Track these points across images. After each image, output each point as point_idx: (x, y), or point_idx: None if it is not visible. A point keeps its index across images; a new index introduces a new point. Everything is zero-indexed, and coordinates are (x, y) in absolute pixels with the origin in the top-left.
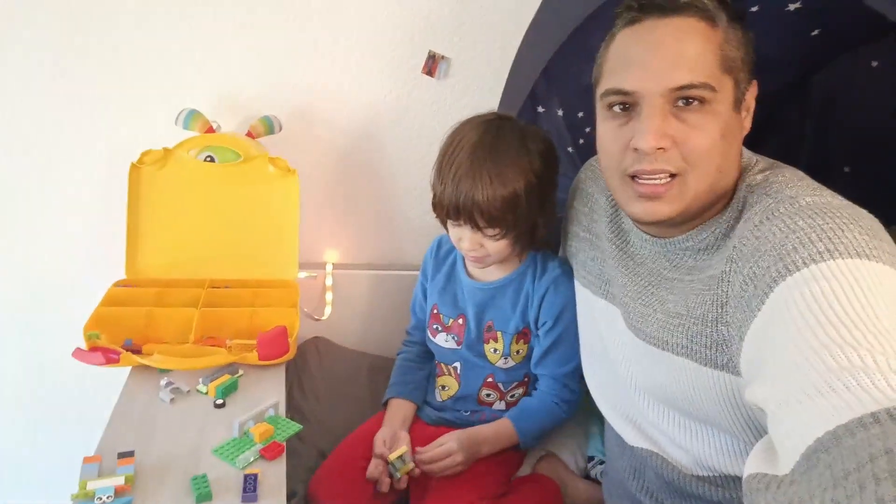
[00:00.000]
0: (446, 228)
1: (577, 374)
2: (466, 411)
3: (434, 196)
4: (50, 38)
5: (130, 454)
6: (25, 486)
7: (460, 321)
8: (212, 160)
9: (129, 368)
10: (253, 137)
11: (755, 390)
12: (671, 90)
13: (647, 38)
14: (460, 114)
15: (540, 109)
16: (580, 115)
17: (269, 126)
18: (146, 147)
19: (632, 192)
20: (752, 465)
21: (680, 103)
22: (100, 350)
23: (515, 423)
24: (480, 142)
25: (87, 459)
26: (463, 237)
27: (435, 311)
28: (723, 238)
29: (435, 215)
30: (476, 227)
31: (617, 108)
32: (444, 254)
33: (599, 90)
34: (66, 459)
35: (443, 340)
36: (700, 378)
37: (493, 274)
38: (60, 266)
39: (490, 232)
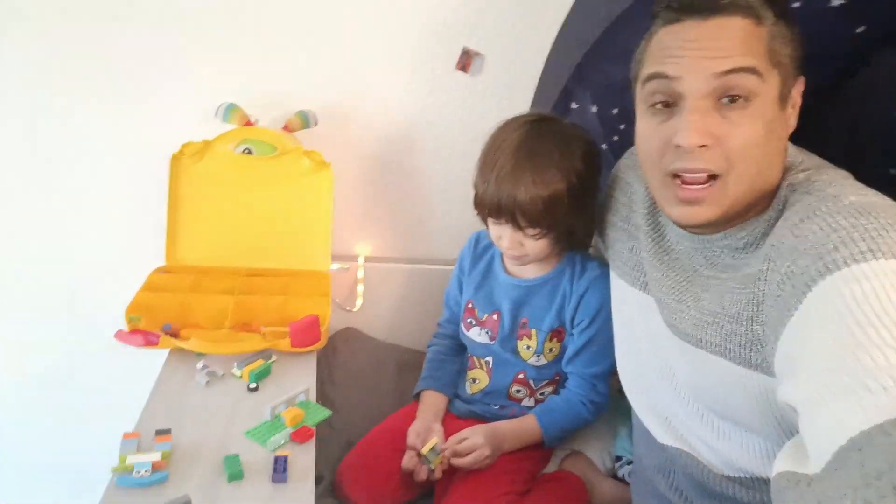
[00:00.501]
0: (487, 226)
1: (607, 377)
2: (496, 405)
3: (476, 195)
4: (95, 33)
5: (167, 432)
6: (70, 456)
7: (495, 317)
8: (249, 153)
9: (167, 351)
10: (289, 131)
11: (788, 389)
12: (717, 75)
13: (688, 35)
14: (493, 110)
15: (573, 106)
16: (614, 111)
17: (305, 120)
18: (187, 139)
19: (672, 194)
20: (781, 464)
21: (724, 100)
22: (140, 333)
23: (540, 420)
24: (523, 143)
25: (126, 435)
26: (503, 236)
27: (470, 306)
28: (762, 237)
29: (476, 213)
30: (517, 226)
31: (659, 106)
32: (481, 249)
33: (640, 78)
34: (108, 433)
35: (476, 335)
36: (733, 377)
37: (531, 272)
38: (105, 252)
39: (531, 232)
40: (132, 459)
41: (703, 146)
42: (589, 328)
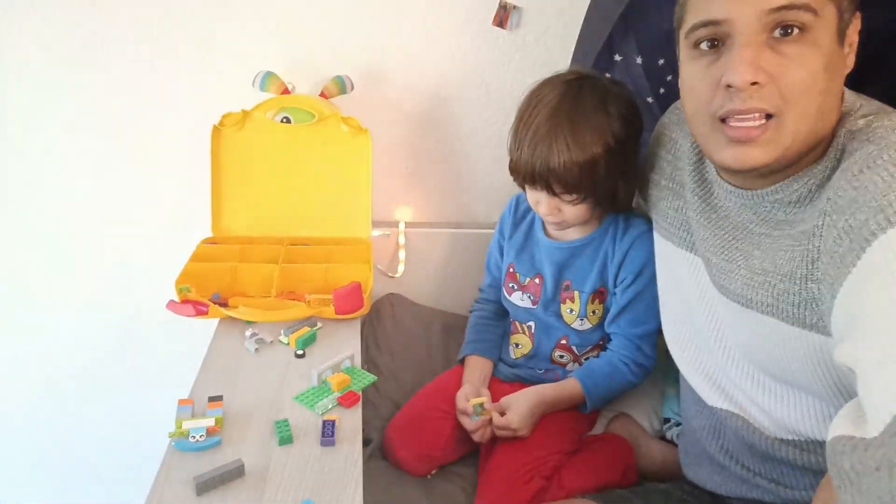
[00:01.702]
0: (525, 191)
1: (653, 339)
2: (540, 369)
3: (511, 160)
4: (133, 6)
5: (219, 398)
6: (128, 423)
7: (537, 280)
8: (288, 121)
9: (217, 320)
10: (326, 98)
11: (846, 350)
12: (768, 12)
13: None
14: (532, 66)
15: (617, 58)
16: (661, 62)
17: (342, 86)
18: (226, 109)
19: (722, 136)
20: (838, 427)
21: (777, 33)
22: (190, 302)
23: (583, 383)
24: (559, 105)
25: (181, 402)
26: (540, 201)
27: (511, 270)
28: (817, 190)
29: (513, 178)
30: (553, 193)
31: (705, 45)
32: (521, 213)
33: (684, 29)
34: (162, 400)
35: (518, 299)
36: (787, 338)
37: (572, 234)
38: (154, 225)
39: (567, 198)
40: (187, 425)
41: (755, 83)
42: (633, 286)
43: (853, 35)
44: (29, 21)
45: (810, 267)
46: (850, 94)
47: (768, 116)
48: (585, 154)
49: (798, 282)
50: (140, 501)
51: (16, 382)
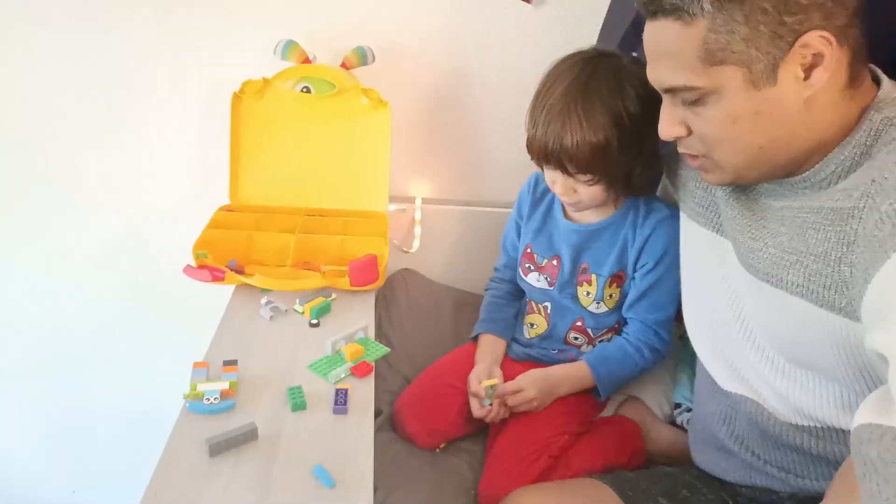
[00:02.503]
0: (542, 170)
1: (670, 325)
2: (554, 350)
3: (527, 138)
4: None
5: (234, 363)
6: (145, 383)
7: (554, 262)
8: (308, 91)
9: (233, 287)
10: (347, 68)
11: (878, 336)
12: (663, 89)
13: (644, 37)
14: (557, 42)
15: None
16: None
17: (363, 56)
18: (246, 77)
19: None
20: (864, 415)
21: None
22: (207, 268)
23: (594, 370)
24: (573, 83)
25: (196, 364)
26: (556, 181)
27: (528, 251)
28: (844, 174)
29: (530, 157)
30: (566, 172)
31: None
32: (540, 193)
33: None
34: (177, 365)
35: (534, 280)
36: (814, 321)
37: (592, 216)
38: (172, 191)
39: (582, 178)
40: (202, 387)
41: (678, 137)
42: (653, 271)
43: (808, 56)
44: None
45: (845, 249)
46: (888, 84)
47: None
48: (598, 134)
49: (831, 263)
50: (153, 462)
51: (33, 346)
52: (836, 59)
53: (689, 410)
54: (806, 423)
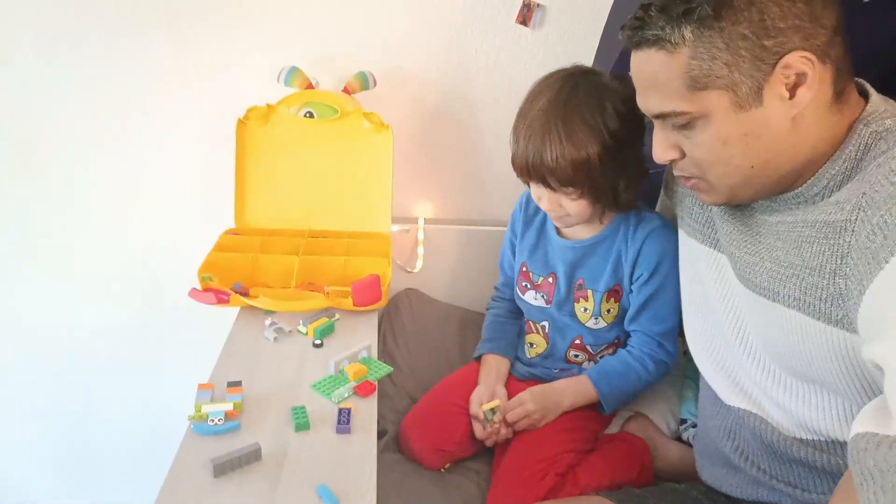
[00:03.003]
0: (528, 186)
1: (674, 336)
2: (556, 369)
3: (511, 155)
4: (162, 3)
5: (238, 384)
6: (149, 406)
7: (550, 280)
8: (311, 116)
9: (238, 309)
10: (349, 93)
11: (874, 347)
12: (653, 115)
13: (631, 70)
14: (552, 66)
15: None
16: None
17: (364, 81)
18: (251, 103)
19: None
20: (861, 425)
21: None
22: (212, 291)
23: (594, 383)
24: (554, 100)
25: (201, 386)
26: (542, 196)
27: (524, 269)
28: (836, 188)
29: (515, 173)
30: (550, 187)
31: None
32: (532, 210)
33: None
34: (181, 387)
35: (532, 298)
36: (812, 334)
37: (584, 232)
38: (178, 215)
39: (566, 192)
40: (207, 409)
41: (672, 160)
42: (650, 282)
43: (790, 76)
44: (56, 6)
45: (839, 262)
46: (876, 98)
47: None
48: (578, 148)
49: (826, 276)
50: (158, 483)
51: (39, 365)
52: (820, 77)
53: (695, 426)
54: (810, 437)
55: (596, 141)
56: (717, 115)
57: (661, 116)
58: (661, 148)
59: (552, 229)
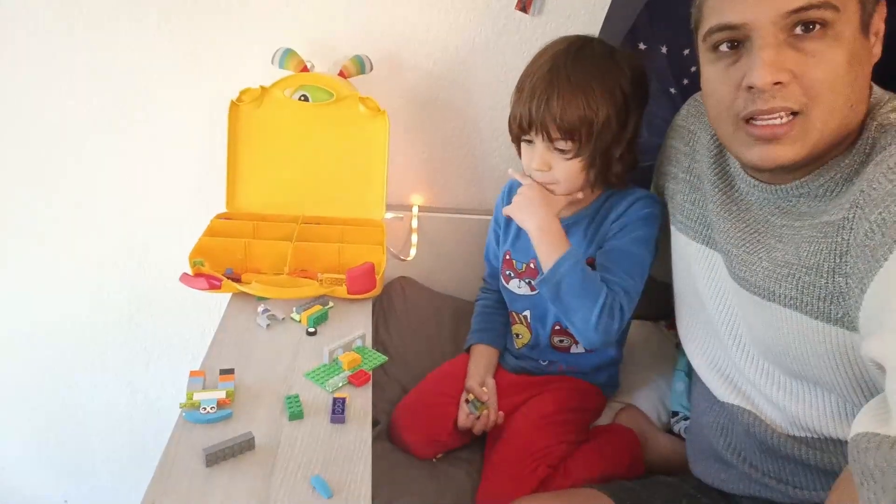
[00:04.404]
0: (519, 153)
1: (632, 301)
2: (544, 361)
3: (510, 115)
4: None
5: (231, 371)
6: (136, 393)
7: (531, 265)
8: (306, 99)
9: (230, 295)
10: (345, 77)
11: (874, 345)
12: (786, 14)
13: None
14: None
15: (641, 46)
16: (686, 52)
17: (361, 65)
18: (244, 85)
19: (747, 136)
20: (861, 424)
21: (798, 30)
22: (204, 276)
23: (567, 254)
24: (564, 53)
25: (192, 373)
26: (534, 155)
27: (508, 258)
28: (843, 183)
29: (511, 139)
30: (548, 138)
31: (724, 47)
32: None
33: (701, 31)
34: (173, 374)
35: (516, 287)
36: (809, 332)
37: (566, 210)
38: (169, 199)
39: (562, 145)
40: (198, 396)
41: (778, 83)
42: (616, 236)
43: (879, 23)
44: None
45: (838, 260)
46: (877, 88)
47: (794, 113)
48: (588, 98)
49: (825, 275)
50: (149, 472)
51: (27, 353)
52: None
53: (686, 419)
54: (804, 435)
55: (607, 98)
56: (851, 26)
57: (802, 10)
58: (772, 69)
59: None
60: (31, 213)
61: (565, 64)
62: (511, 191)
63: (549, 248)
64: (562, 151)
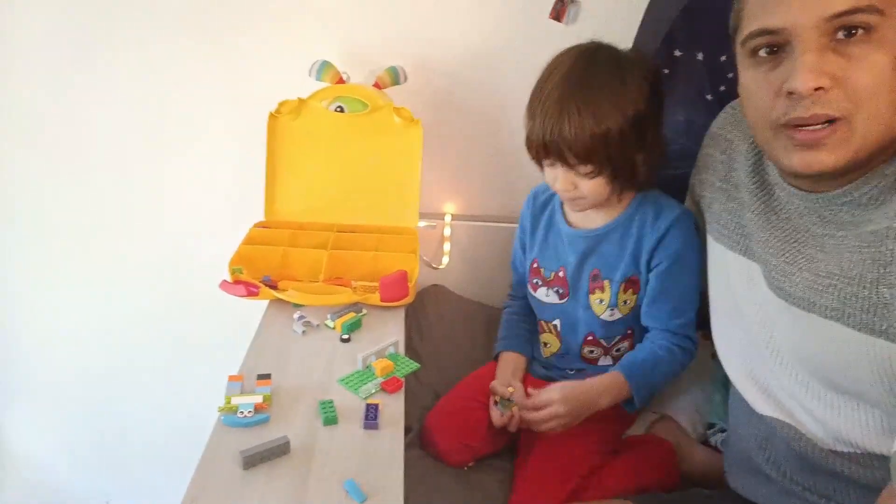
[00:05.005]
0: (541, 169)
1: (693, 325)
2: (571, 370)
3: (526, 134)
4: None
5: (268, 376)
6: (175, 396)
7: (561, 273)
8: (341, 110)
9: (267, 301)
10: (380, 88)
11: None
12: (828, 18)
13: None
14: None
15: (677, 53)
16: (723, 58)
17: (395, 76)
18: (283, 97)
19: (787, 141)
20: None
21: (840, 35)
22: (242, 283)
23: (628, 378)
24: (571, 71)
25: (231, 378)
26: (556, 177)
27: (535, 266)
28: (889, 191)
29: (529, 155)
30: (567, 164)
31: (763, 52)
32: (540, 205)
33: (740, 36)
34: (212, 378)
35: (544, 295)
36: (852, 345)
37: (596, 220)
38: (210, 208)
39: (583, 169)
40: (236, 401)
41: (819, 89)
42: (668, 272)
43: None
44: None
45: (882, 271)
46: None
47: (835, 119)
48: (598, 122)
49: (868, 286)
50: (188, 473)
51: (72, 356)
52: None
53: (722, 431)
54: (847, 450)
55: (617, 114)
56: (893, 31)
57: (846, 14)
58: (814, 74)
59: (561, 222)
60: (80, 220)
61: (573, 88)
62: (535, 198)
63: (617, 397)
64: (583, 173)
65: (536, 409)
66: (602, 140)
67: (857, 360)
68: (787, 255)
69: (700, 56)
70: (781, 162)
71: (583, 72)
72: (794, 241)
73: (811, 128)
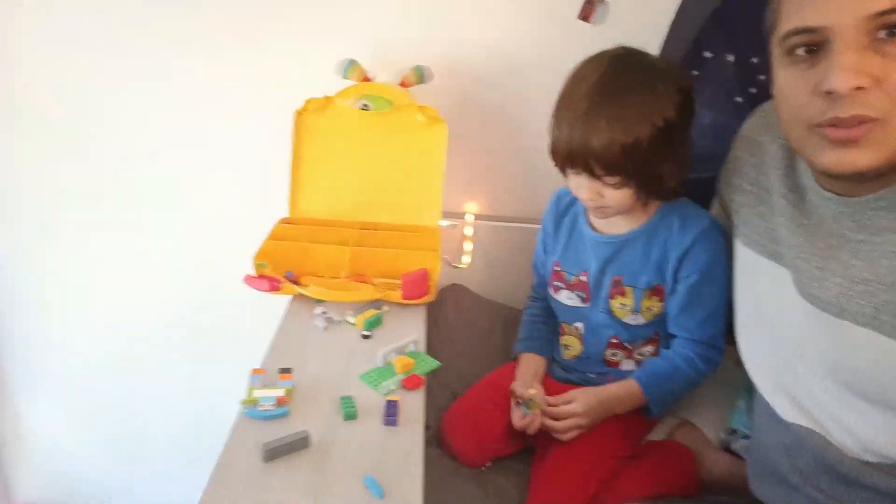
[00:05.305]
0: (566, 176)
1: (722, 336)
2: (592, 373)
3: (551, 142)
4: None
5: (289, 371)
6: (198, 387)
7: (583, 278)
8: (367, 108)
9: (290, 296)
10: (405, 86)
11: None
12: (870, 17)
13: None
14: None
15: (707, 55)
16: (754, 60)
17: (421, 75)
18: (309, 95)
19: (820, 139)
20: None
21: (881, 34)
22: (266, 278)
23: (644, 388)
24: (600, 81)
25: (254, 371)
26: (581, 186)
27: (557, 269)
28: None
29: (553, 163)
30: (593, 175)
31: (801, 51)
32: (563, 208)
33: (777, 35)
34: (233, 371)
35: (565, 298)
36: (885, 352)
37: (621, 226)
38: (236, 204)
39: (609, 180)
40: (258, 394)
41: (859, 88)
42: (699, 285)
43: None
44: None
45: None
46: None
47: (872, 119)
48: (627, 134)
49: None
50: (209, 464)
51: (97, 349)
52: None
53: (745, 437)
54: (878, 461)
55: (646, 123)
56: None
57: (887, 13)
58: (853, 73)
59: (584, 226)
60: (110, 214)
61: (602, 98)
62: (559, 200)
63: (633, 405)
64: (609, 183)
65: (558, 418)
66: (630, 152)
67: (890, 369)
68: (819, 260)
69: (730, 58)
70: (815, 161)
71: (611, 81)
72: (827, 247)
73: (846, 126)
